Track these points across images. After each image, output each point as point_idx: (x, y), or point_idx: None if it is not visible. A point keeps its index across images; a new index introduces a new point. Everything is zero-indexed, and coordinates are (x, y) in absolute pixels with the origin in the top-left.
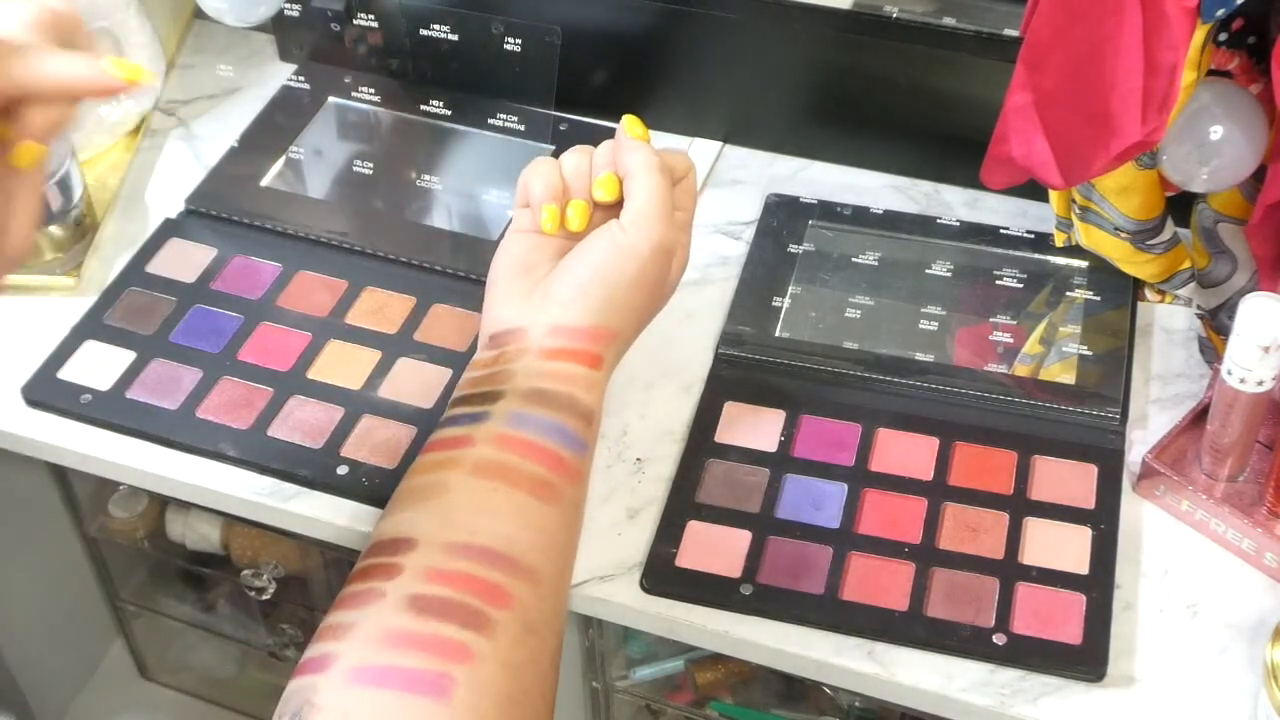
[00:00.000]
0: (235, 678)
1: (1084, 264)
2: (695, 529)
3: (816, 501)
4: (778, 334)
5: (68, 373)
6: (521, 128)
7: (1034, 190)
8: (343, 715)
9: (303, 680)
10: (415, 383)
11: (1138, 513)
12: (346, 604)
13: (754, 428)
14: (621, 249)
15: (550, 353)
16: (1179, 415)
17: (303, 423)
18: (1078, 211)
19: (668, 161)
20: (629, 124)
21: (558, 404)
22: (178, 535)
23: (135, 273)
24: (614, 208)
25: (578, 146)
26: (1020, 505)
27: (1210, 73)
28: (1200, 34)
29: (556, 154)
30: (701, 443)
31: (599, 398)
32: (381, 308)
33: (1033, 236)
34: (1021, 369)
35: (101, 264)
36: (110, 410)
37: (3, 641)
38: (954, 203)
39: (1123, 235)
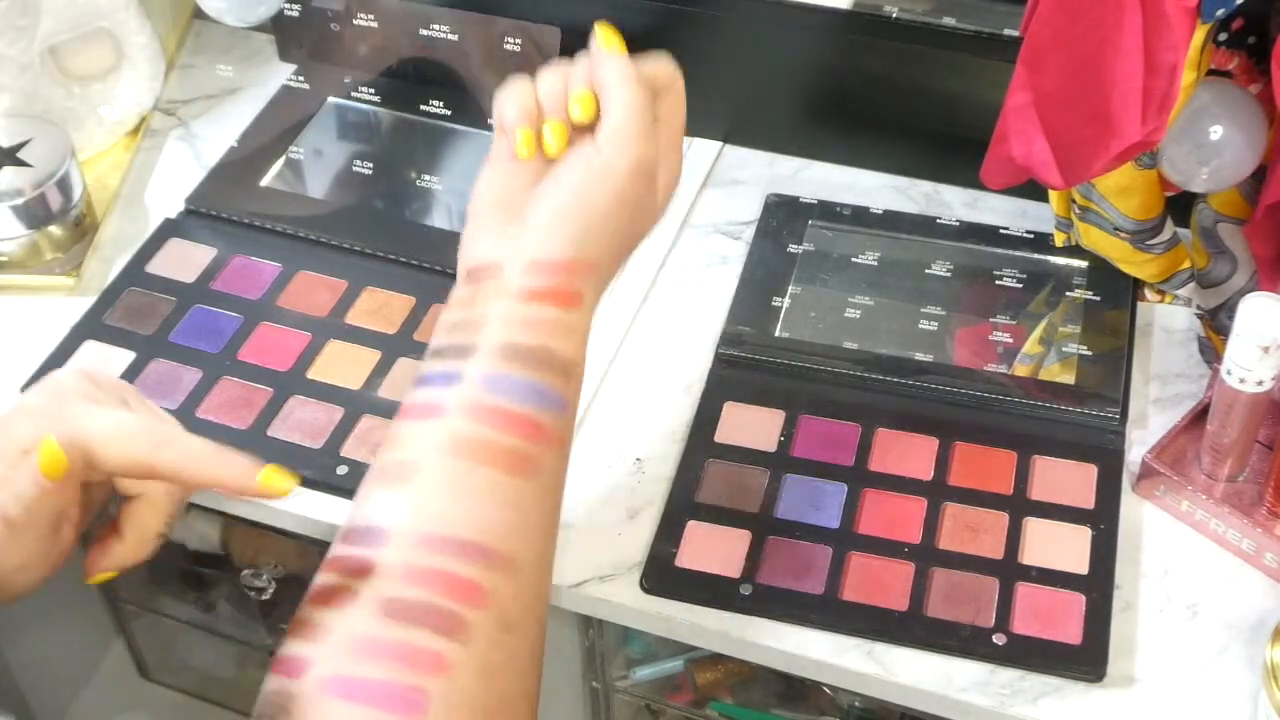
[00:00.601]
0: (235, 678)
1: (1084, 264)
2: (695, 529)
3: (816, 501)
4: (778, 334)
5: None
6: None
7: (1034, 190)
8: None
9: (278, 683)
10: None
11: (1138, 513)
12: (320, 599)
13: (754, 428)
14: (597, 170)
15: (526, 294)
16: (1179, 415)
17: (303, 423)
18: (1078, 211)
19: (647, 72)
20: (603, 34)
21: (535, 360)
22: (178, 535)
23: (135, 273)
24: (594, 128)
25: (553, 65)
26: (1020, 505)
27: (1210, 73)
28: (1200, 34)
29: None
30: (701, 443)
31: (579, 344)
32: (381, 308)
33: (1033, 236)
34: (1021, 369)
35: (101, 264)
36: None
37: (3, 641)
38: (954, 203)
39: (1122, 235)
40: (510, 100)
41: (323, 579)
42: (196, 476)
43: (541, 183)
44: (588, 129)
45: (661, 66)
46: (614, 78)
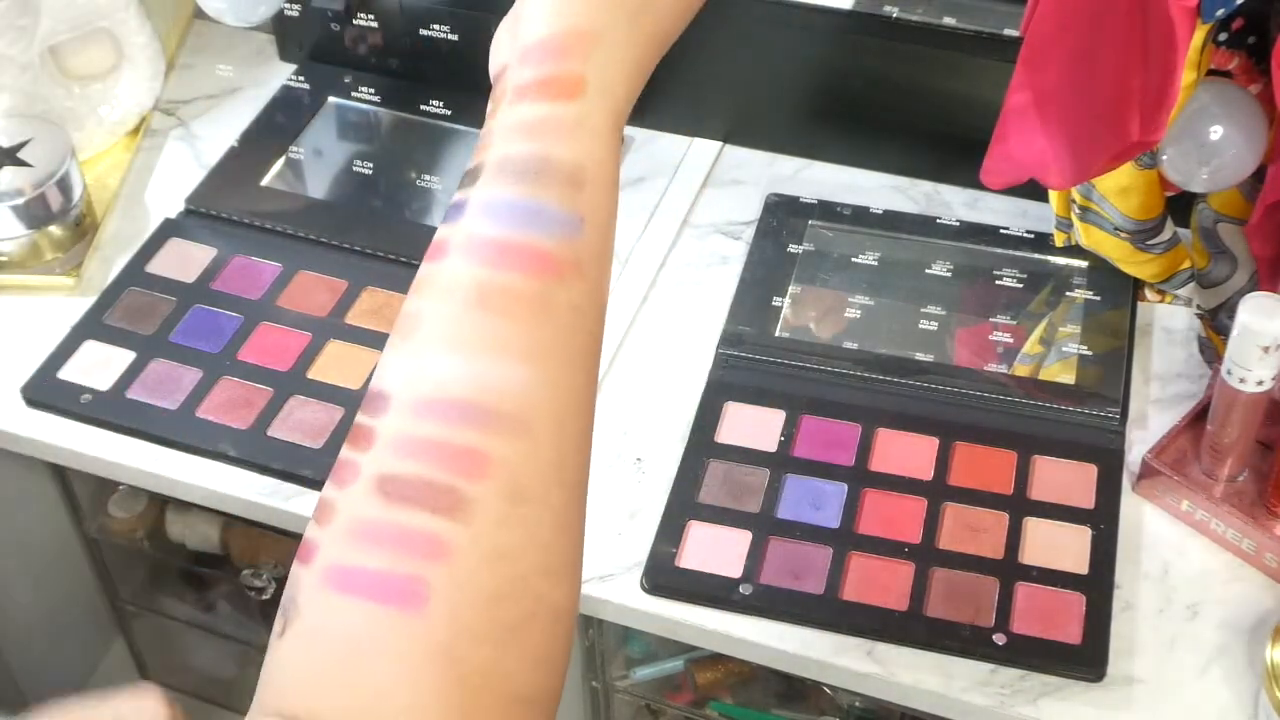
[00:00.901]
0: (235, 678)
1: (1084, 264)
2: (695, 529)
3: (816, 501)
4: (778, 334)
5: (68, 373)
6: None
7: (1034, 190)
8: (317, 625)
9: (294, 570)
10: None
11: (1138, 513)
12: (334, 474)
13: (754, 428)
14: None
15: (520, 91)
16: (1179, 415)
17: (303, 423)
18: (1078, 211)
19: None
20: None
21: (530, 173)
22: (178, 535)
23: (135, 273)
24: None
25: None
26: (1020, 505)
27: (1210, 73)
28: (1200, 34)
29: None
30: (701, 443)
31: (590, 142)
32: (381, 308)
33: (1033, 236)
34: (1021, 369)
35: (101, 264)
36: (110, 410)
37: (3, 641)
38: (954, 203)
39: (1123, 235)
40: None
41: (342, 452)
42: None
43: None
44: None
45: None
46: None
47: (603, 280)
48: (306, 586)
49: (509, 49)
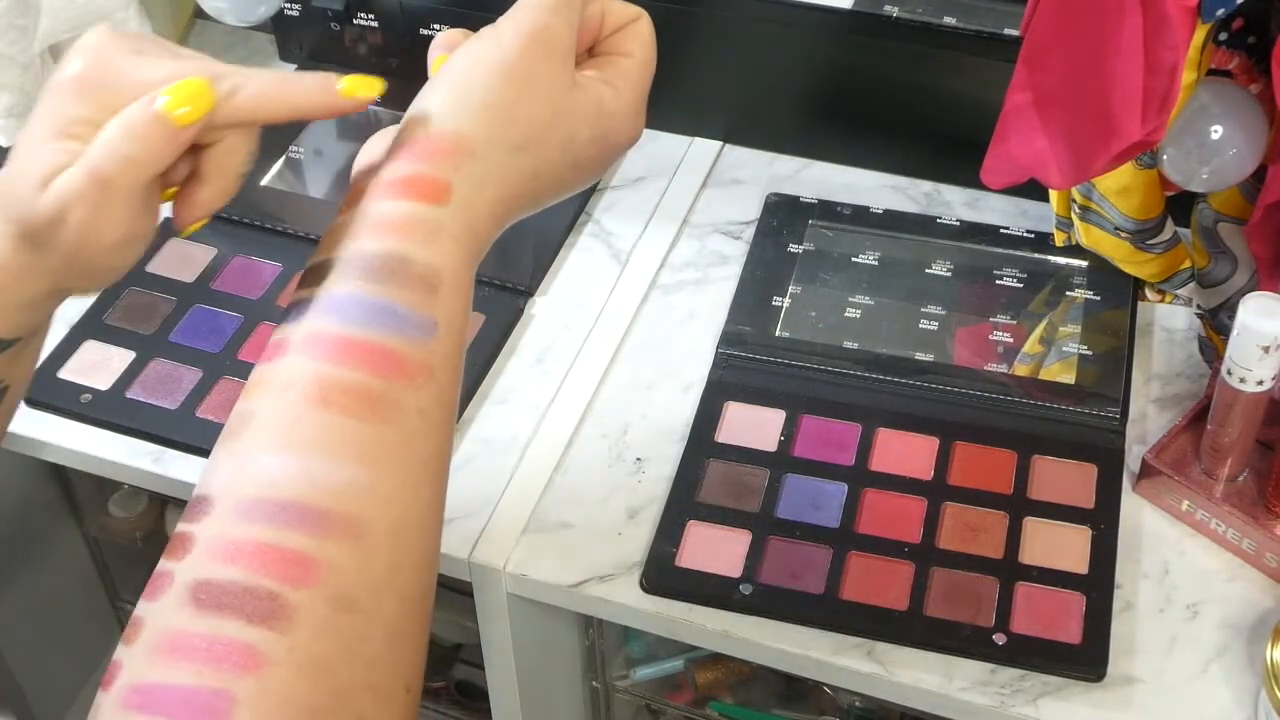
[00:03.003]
0: None
1: (1084, 264)
2: (695, 529)
3: (816, 501)
4: (778, 334)
5: (68, 372)
6: None
7: (1034, 190)
8: None
9: (96, 698)
10: None
11: (1138, 512)
12: (147, 588)
13: (754, 428)
14: (482, 38)
15: (383, 189)
16: (1179, 415)
17: None
18: (1078, 211)
19: (605, 4)
20: None
21: (384, 271)
22: None
23: (135, 272)
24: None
25: None
26: (1020, 505)
27: (1210, 73)
28: (1200, 34)
29: None
30: (701, 442)
31: (451, 248)
32: None
33: (1033, 236)
34: (1021, 369)
35: None
36: (110, 410)
37: (3, 641)
38: (954, 203)
39: (1123, 235)
40: (439, 36)
41: (158, 565)
42: (278, 111)
43: None
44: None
45: (624, 4)
46: None
47: (452, 388)
48: (105, 712)
49: (379, 148)
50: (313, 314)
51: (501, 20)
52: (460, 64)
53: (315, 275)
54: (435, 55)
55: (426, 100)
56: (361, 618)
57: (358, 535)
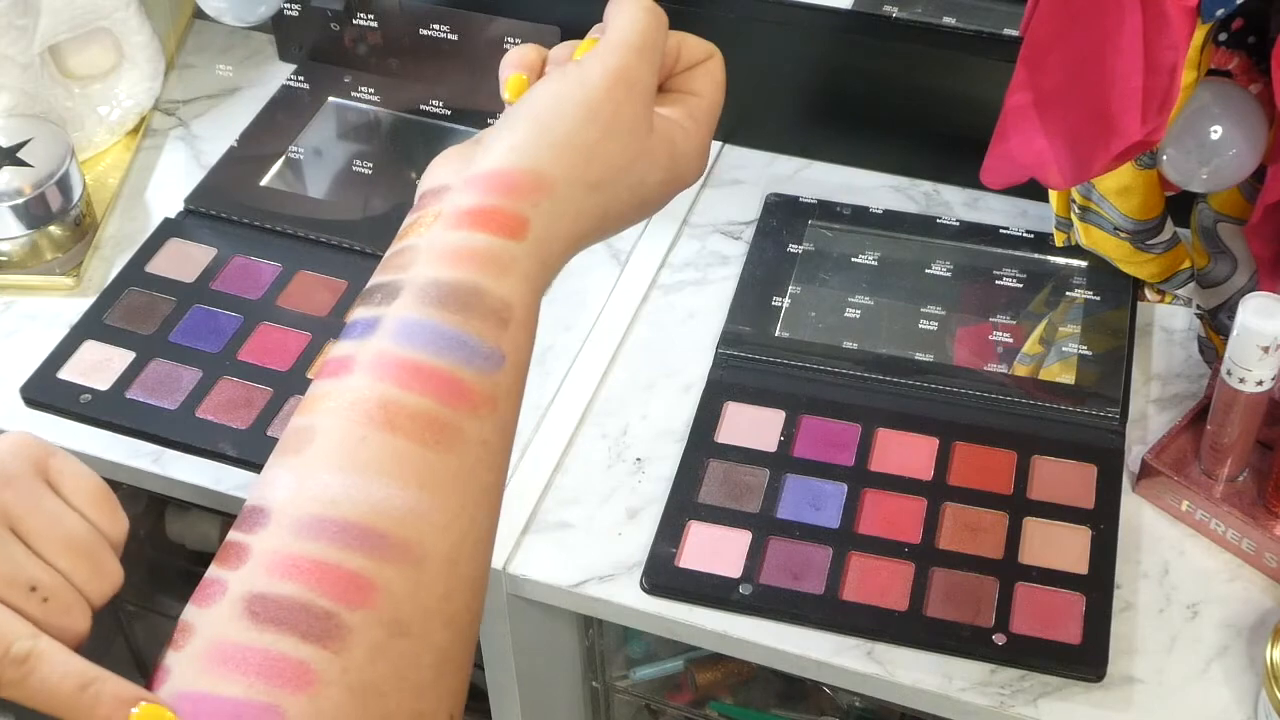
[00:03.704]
0: None
1: (1084, 264)
2: (695, 529)
3: (816, 501)
4: (778, 334)
5: (67, 372)
6: None
7: (1034, 190)
8: None
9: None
10: None
11: (1138, 513)
12: (197, 593)
13: (754, 428)
14: (567, 75)
15: (459, 217)
16: (1179, 415)
17: None
18: (1078, 211)
19: (691, 42)
20: None
21: (458, 302)
22: (177, 535)
23: (135, 273)
24: None
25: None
26: (1020, 505)
27: (1210, 73)
28: (1200, 34)
29: None
30: (701, 443)
31: (523, 284)
32: None
33: (1033, 236)
34: (1021, 369)
35: (101, 264)
36: (110, 410)
37: None
38: (954, 203)
39: (1123, 235)
40: (512, 53)
41: (209, 571)
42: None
43: None
44: None
45: (699, 40)
46: (626, 1)
47: (513, 420)
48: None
49: (454, 172)
50: (381, 335)
51: (588, 58)
52: (544, 100)
53: (384, 295)
54: (509, 74)
55: (508, 134)
56: (413, 643)
57: (415, 561)
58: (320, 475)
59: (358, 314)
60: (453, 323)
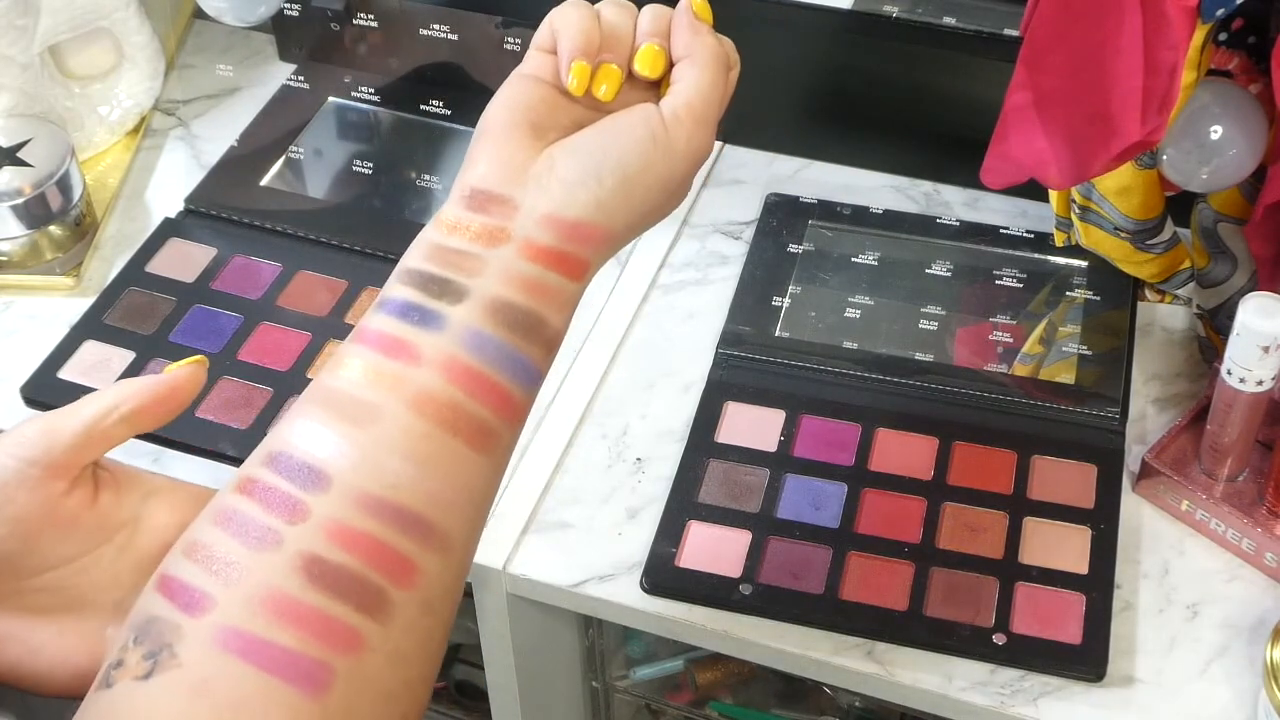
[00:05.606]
0: None
1: (1084, 264)
2: (695, 529)
3: (816, 501)
4: (778, 334)
5: (67, 373)
6: None
7: (1034, 190)
8: (201, 683)
9: (167, 609)
10: None
11: (1138, 513)
12: (237, 525)
13: (754, 428)
14: (659, 144)
15: (535, 251)
16: (1179, 415)
17: None
18: (1078, 211)
19: (730, 56)
20: (697, 3)
21: (524, 327)
22: None
23: (135, 272)
24: (646, 86)
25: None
26: (1020, 505)
27: (1210, 73)
28: (1200, 34)
29: None
30: (701, 443)
31: (568, 319)
32: None
33: (1033, 236)
34: (1021, 369)
35: (101, 264)
36: None
37: None
38: (954, 203)
39: (1123, 235)
40: (569, 23)
41: (238, 502)
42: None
43: (586, 129)
44: (643, 84)
45: (732, 48)
46: (707, 55)
47: (523, 427)
48: (194, 641)
49: (514, 183)
50: (450, 338)
51: (680, 127)
52: (636, 163)
53: (443, 290)
54: (586, 63)
55: (596, 186)
56: (436, 620)
57: (448, 549)
58: (385, 458)
59: (407, 295)
60: (517, 345)
